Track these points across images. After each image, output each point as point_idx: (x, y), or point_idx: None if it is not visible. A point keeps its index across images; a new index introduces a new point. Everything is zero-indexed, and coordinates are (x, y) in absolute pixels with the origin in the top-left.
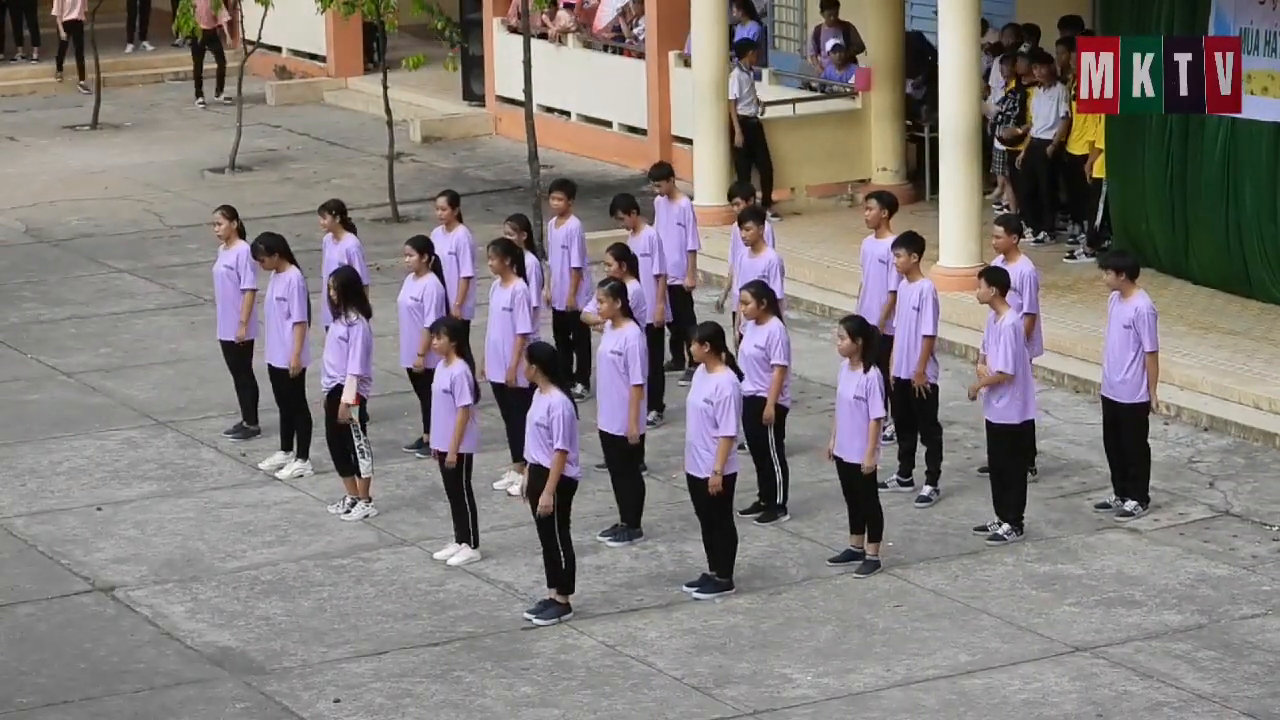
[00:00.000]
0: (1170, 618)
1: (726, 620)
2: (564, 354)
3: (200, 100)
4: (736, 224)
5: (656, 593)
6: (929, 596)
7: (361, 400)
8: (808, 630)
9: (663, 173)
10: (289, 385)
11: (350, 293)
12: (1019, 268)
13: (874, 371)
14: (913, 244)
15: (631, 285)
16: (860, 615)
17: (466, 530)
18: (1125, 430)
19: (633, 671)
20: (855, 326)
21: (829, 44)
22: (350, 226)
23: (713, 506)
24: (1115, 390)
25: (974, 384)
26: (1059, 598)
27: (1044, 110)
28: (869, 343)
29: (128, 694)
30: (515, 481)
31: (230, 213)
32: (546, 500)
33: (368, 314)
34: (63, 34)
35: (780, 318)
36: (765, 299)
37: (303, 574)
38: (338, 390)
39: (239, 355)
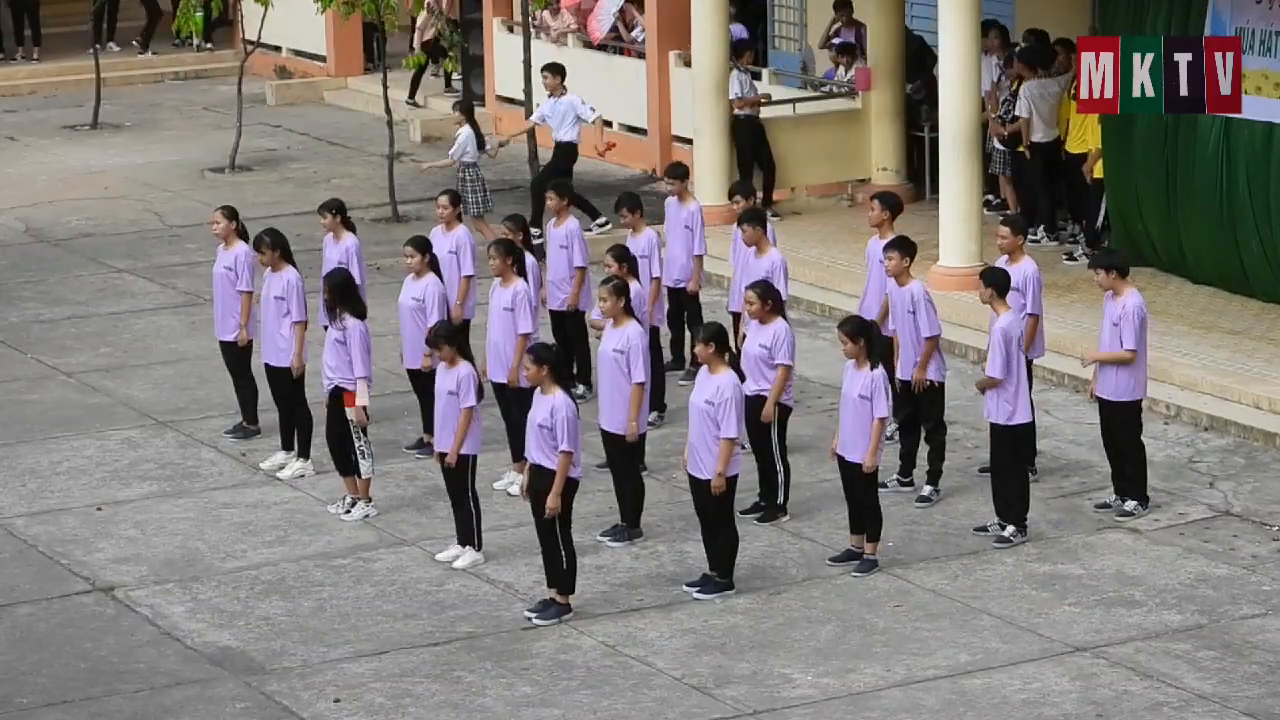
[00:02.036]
0: (1170, 618)
1: (726, 620)
2: (562, 354)
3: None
4: (736, 224)
5: (656, 593)
6: (929, 596)
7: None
8: (808, 630)
9: (679, 172)
10: (288, 384)
11: (342, 295)
12: (1022, 268)
13: (879, 370)
14: (904, 247)
15: (632, 286)
16: (860, 615)
17: (470, 532)
18: (1118, 429)
19: (633, 671)
20: (854, 328)
21: (837, 43)
22: (350, 226)
23: (714, 507)
24: (1108, 390)
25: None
26: (1059, 598)
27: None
28: (871, 342)
29: (128, 694)
30: (515, 481)
31: (230, 213)
32: (554, 503)
33: (362, 315)
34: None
35: (785, 318)
36: (770, 299)
37: (303, 574)
38: (338, 391)
39: (238, 356)
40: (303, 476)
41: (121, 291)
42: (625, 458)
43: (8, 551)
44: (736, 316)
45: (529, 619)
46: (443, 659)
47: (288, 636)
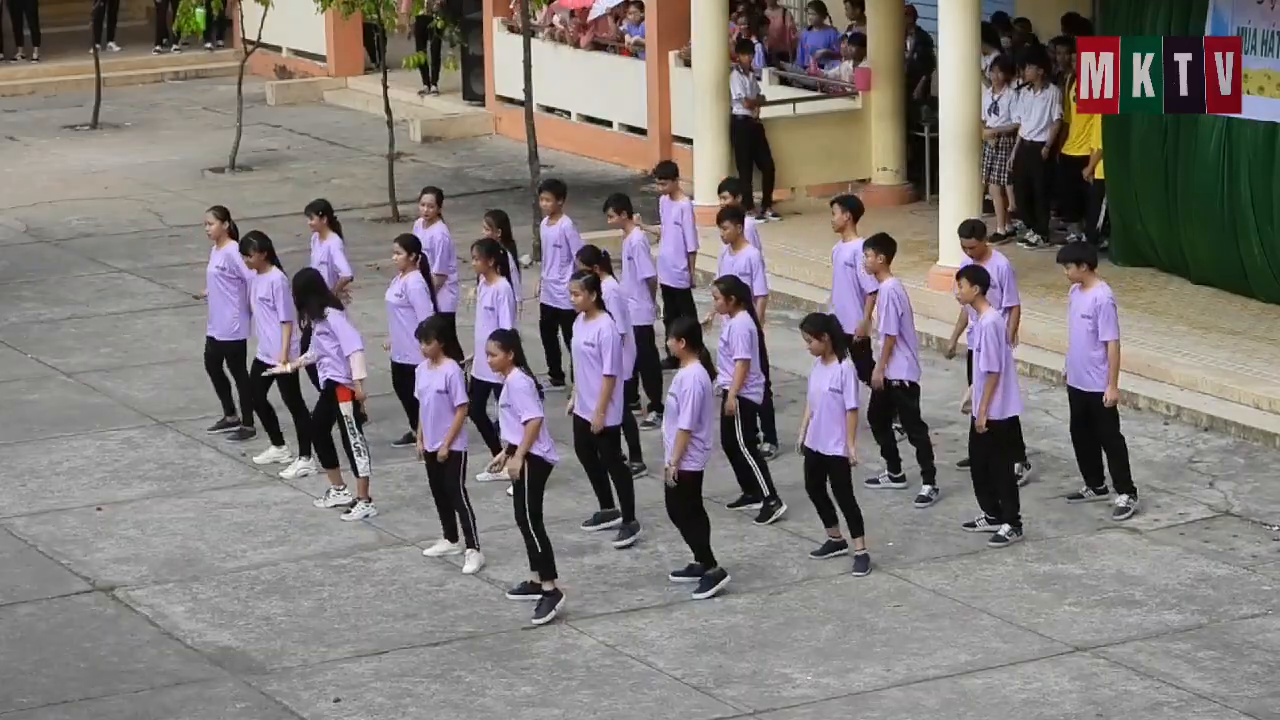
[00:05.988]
0: (1170, 618)
1: (726, 620)
2: (553, 351)
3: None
4: (716, 221)
5: (656, 593)
6: (929, 596)
7: (356, 400)
8: (808, 630)
9: (668, 172)
10: (283, 384)
11: (306, 294)
12: (994, 263)
13: (847, 363)
14: (880, 245)
15: (608, 283)
16: (860, 615)
17: (468, 533)
18: (1098, 422)
19: (633, 671)
20: (816, 326)
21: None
22: (335, 226)
23: (675, 501)
24: (1084, 381)
25: (977, 420)
26: (1059, 598)
27: (1036, 112)
28: (835, 336)
29: (128, 694)
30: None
31: (222, 213)
32: (516, 464)
33: (334, 305)
34: None
35: (752, 313)
36: (735, 294)
37: (303, 574)
38: (330, 385)
39: (234, 356)
40: (305, 475)
41: (121, 291)
42: (604, 447)
43: (8, 551)
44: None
45: (533, 624)
46: (443, 659)
47: (288, 636)
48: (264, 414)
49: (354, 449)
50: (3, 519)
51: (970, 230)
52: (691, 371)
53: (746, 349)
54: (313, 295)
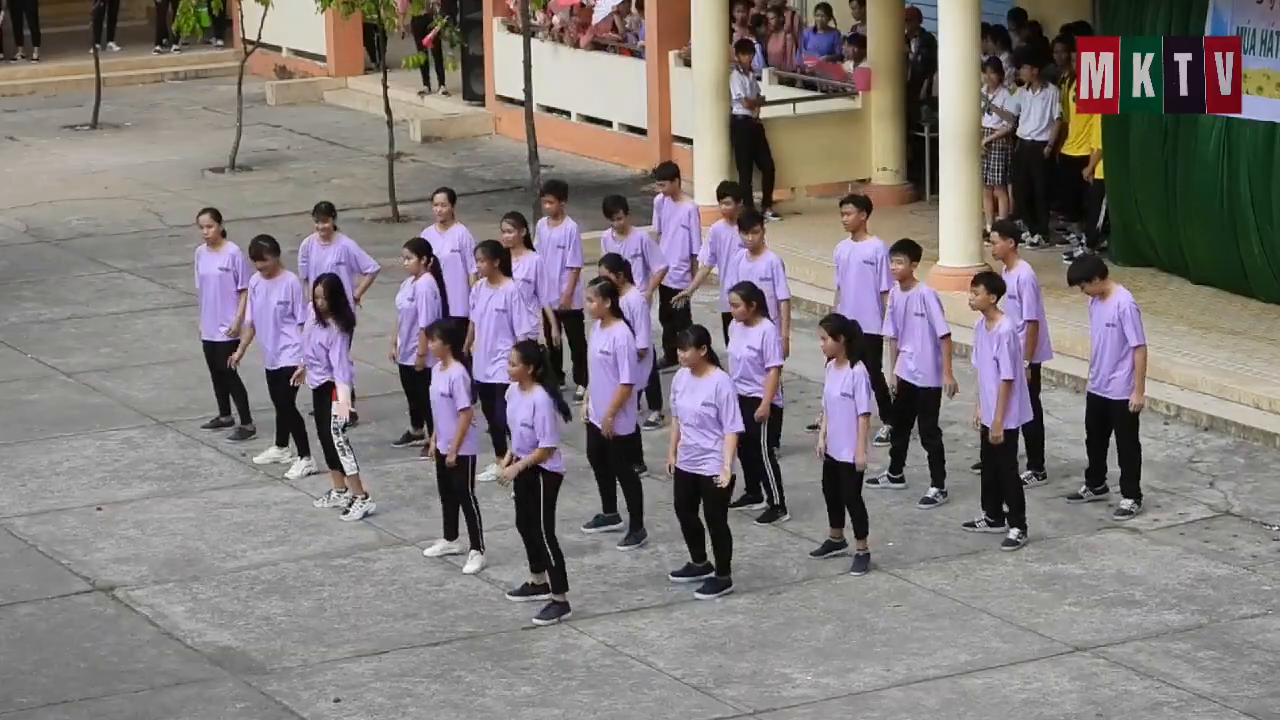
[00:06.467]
0: (1170, 618)
1: (726, 620)
2: (558, 353)
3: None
4: (736, 227)
5: (656, 593)
6: (929, 596)
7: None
8: (808, 630)
9: (669, 173)
10: (283, 388)
11: (338, 300)
12: (1017, 273)
13: (860, 367)
14: (911, 250)
15: (631, 292)
16: (860, 615)
17: (471, 534)
18: (1117, 427)
19: (633, 671)
20: (835, 326)
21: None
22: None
23: (712, 506)
24: (1107, 389)
25: (993, 433)
26: (1059, 598)
27: (1036, 112)
28: (851, 339)
29: (128, 694)
30: (496, 475)
31: (217, 215)
32: (510, 473)
33: (348, 324)
34: None
35: (769, 318)
36: (755, 301)
37: (303, 574)
38: (324, 386)
39: (228, 357)
40: (311, 473)
41: (121, 291)
42: (618, 455)
43: (8, 551)
44: (727, 318)
45: (535, 623)
46: (443, 659)
47: (288, 636)
48: (293, 419)
49: (338, 447)
50: (3, 519)
51: (998, 225)
52: (722, 377)
53: (780, 355)
54: (335, 304)
